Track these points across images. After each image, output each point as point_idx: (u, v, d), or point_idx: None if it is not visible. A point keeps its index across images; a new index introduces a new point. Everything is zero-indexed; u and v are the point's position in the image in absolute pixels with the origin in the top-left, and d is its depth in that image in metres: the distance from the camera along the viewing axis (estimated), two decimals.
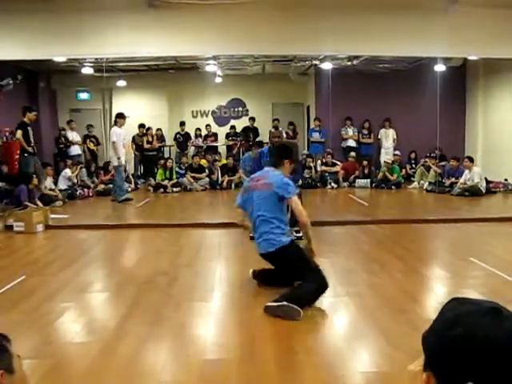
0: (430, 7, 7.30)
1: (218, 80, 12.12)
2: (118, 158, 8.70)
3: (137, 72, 12.04)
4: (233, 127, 13.17)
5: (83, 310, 3.55)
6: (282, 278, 3.77)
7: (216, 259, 4.93)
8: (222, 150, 13.02)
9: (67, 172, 9.85)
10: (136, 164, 12.13)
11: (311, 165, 10.95)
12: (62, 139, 10.99)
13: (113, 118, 12.72)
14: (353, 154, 11.45)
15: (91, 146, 11.54)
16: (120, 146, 8.74)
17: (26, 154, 7.86)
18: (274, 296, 3.63)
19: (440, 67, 9.88)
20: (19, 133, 7.77)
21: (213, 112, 13.96)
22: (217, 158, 11.92)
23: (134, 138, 11.87)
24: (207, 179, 11.17)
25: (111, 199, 9.01)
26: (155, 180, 10.99)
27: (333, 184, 10.91)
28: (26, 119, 7.88)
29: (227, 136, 13.07)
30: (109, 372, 2.52)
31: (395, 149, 11.76)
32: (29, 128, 7.89)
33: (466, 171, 9.53)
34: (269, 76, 12.65)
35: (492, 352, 0.74)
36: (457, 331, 0.77)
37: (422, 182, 10.76)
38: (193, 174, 11.10)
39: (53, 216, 7.02)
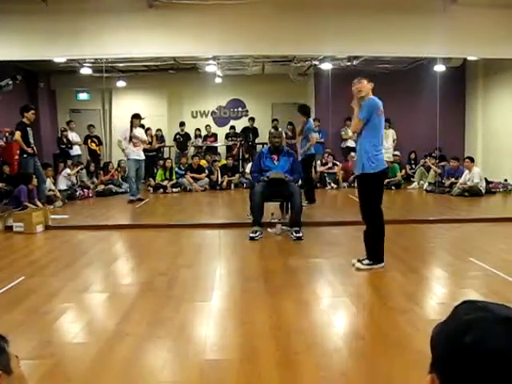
0: (429, 7, 7.30)
1: (218, 80, 12.12)
2: None
3: (136, 72, 12.05)
4: (232, 127, 13.17)
5: (83, 311, 3.54)
6: None
7: (216, 259, 4.93)
8: (222, 150, 13.02)
9: (67, 171, 9.85)
10: None
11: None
12: (64, 140, 10.98)
13: (112, 119, 12.82)
14: (353, 154, 11.43)
15: (93, 146, 11.52)
16: None
17: (25, 155, 7.84)
18: (274, 296, 3.64)
19: (439, 67, 9.88)
20: (17, 134, 7.75)
21: (212, 112, 13.96)
22: (216, 158, 11.92)
23: None
24: (207, 180, 11.17)
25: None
26: (155, 180, 10.99)
27: (332, 184, 10.91)
28: (25, 119, 7.87)
29: (227, 136, 13.07)
30: (109, 372, 2.52)
31: (395, 149, 11.76)
32: (28, 129, 7.86)
33: (466, 171, 9.53)
34: (268, 76, 12.64)
35: (501, 364, 0.70)
36: (467, 338, 0.73)
37: (421, 182, 10.77)
38: (192, 175, 11.10)
39: (53, 216, 7.01)
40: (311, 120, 8.83)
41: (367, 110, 4.28)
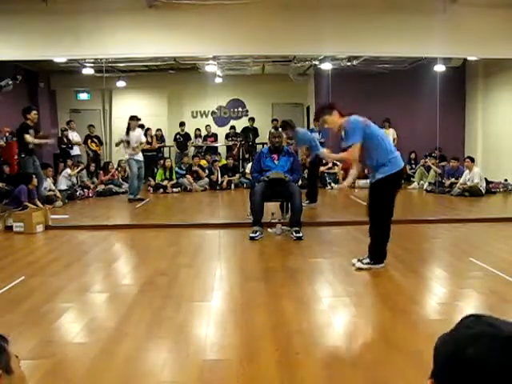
0: (429, 7, 7.30)
1: (218, 80, 12.13)
2: None
3: (136, 72, 12.05)
4: (232, 127, 13.18)
5: (83, 311, 3.54)
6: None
7: (216, 259, 4.93)
8: (222, 150, 13.02)
9: (67, 171, 9.85)
10: None
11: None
12: (64, 140, 10.98)
13: (112, 119, 12.81)
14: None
15: (93, 146, 11.51)
16: None
17: (23, 155, 7.81)
18: (274, 296, 3.64)
19: (440, 67, 9.87)
20: (27, 137, 7.64)
21: (212, 112, 13.97)
22: (217, 158, 11.93)
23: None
24: (207, 179, 11.18)
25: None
26: (155, 180, 10.99)
27: (332, 184, 10.91)
28: (28, 122, 7.82)
29: (227, 136, 13.08)
30: (109, 372, 2.52)
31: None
32: (30, 131, 7.85)
33: (466, 171, 9.54)
34: (268, 76, 12.65)
35: (502, 381, 0.70)
36: (468, 353, 0.73)
37: (421, 182, 10.77)
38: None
39: (53, 216, 7.01)
40: (299, 129, 8.55)
41: (354, 131, 4.09)
